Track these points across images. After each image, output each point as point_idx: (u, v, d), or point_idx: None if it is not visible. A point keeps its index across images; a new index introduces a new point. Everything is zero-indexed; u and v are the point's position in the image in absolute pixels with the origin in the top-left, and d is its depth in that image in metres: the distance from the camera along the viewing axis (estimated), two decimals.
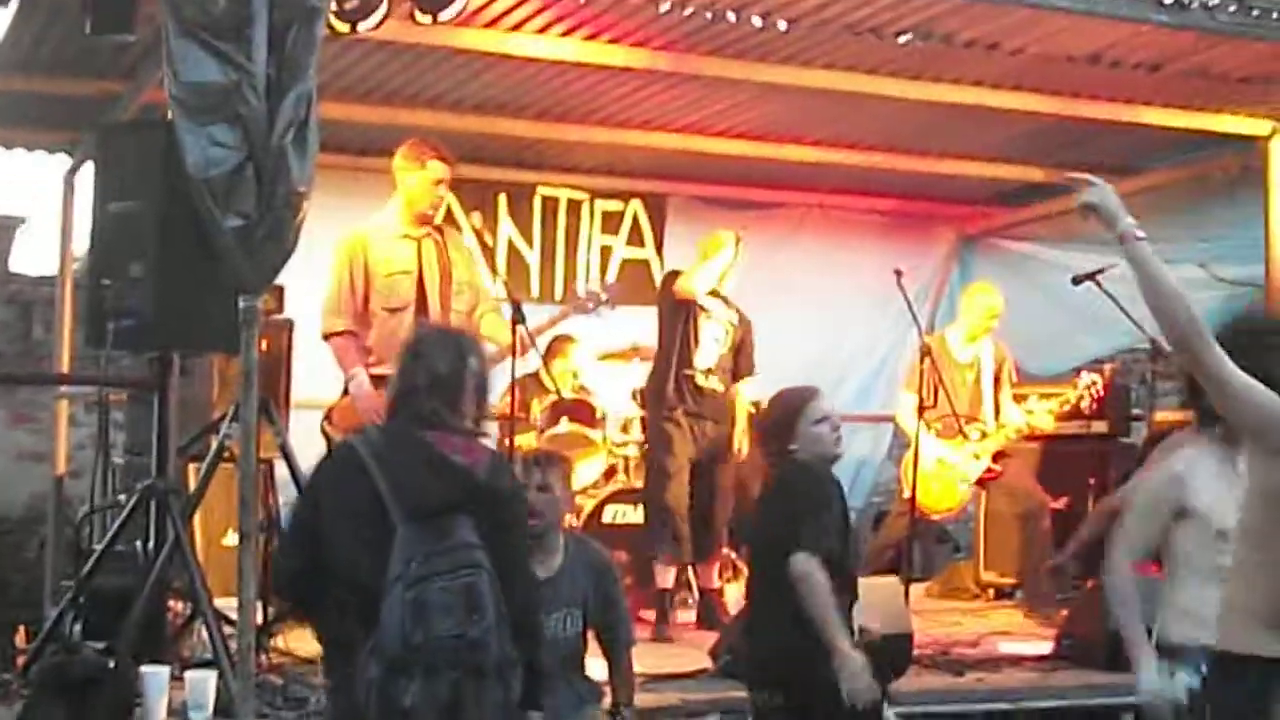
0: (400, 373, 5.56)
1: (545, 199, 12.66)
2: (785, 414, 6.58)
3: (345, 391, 8.61)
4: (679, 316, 9.93)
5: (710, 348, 9.97)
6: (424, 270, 8.64)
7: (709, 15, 9.03)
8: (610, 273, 12.72)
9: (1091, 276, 9.63)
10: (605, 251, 12.85)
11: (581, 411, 10.67)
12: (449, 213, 10.28)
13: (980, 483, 10.74)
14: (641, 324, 10.60)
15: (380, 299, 8.58)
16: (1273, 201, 10.76)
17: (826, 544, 6.23)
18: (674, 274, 10.22)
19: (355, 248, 8.65)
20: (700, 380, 9.90)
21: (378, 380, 8.31)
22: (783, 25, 9.17)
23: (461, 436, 5.41)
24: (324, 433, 8.64)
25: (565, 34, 9.39)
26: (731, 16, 9.06)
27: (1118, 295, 9.35)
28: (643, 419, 10.64)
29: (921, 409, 10.17)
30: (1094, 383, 10.55)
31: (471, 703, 5.13)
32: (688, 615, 10.13)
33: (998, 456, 10.65)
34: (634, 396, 11.02)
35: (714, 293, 10.02)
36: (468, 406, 5.45)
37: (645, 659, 7.83)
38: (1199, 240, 11.46)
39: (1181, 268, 11.76)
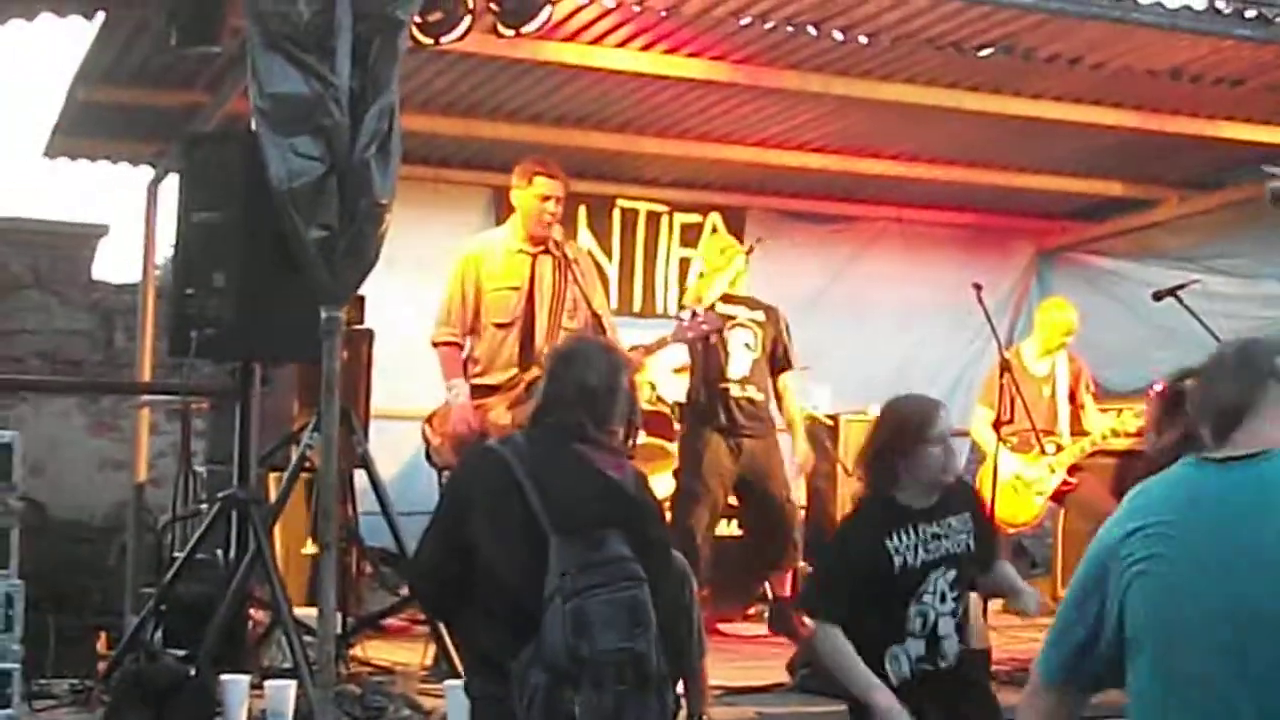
0: (549, 380, 5.49)
1: (624, 211, 12.64)
2: (896, 433, 5.95)
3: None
4: None
5: (741, 356, 9.71)
6: (535, 287, 8.67)
7: (789, 29, 9.05)
8: (689, 285, 12.67)
9: (1173, 292, 9.57)
10: (684, 264, 12.77)
11: (659, 424, 10.64)
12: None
13: (1056, 496, 10.66)
14: None
15: (489, 313, 8.65)
16: None
17: (836, 607, 5.84)
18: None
19: (471, 261, 8.74)
20: (736, 392, 9.66)
21: (484, 390, 8.57)
22: (863, 39, 9.20)
23: (608, 452, 5.36)
24: (424, 436, 8.77)
25: (645, 48, 9.42)
26: (812, 30, 9.08)
27: (1198, 311, 9.30)
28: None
29: (998, 423, 10.12)
30: None
31: (634, 715, 5.09)
32: (758, 628, 10.12)
33: (1073, 470, 10.59)
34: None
35: (732, 298, 9.79)
36: (616, 423, 5.41)
37: (724, 671, 7.83)
38: None
39: (1263, 283, 11.79)
